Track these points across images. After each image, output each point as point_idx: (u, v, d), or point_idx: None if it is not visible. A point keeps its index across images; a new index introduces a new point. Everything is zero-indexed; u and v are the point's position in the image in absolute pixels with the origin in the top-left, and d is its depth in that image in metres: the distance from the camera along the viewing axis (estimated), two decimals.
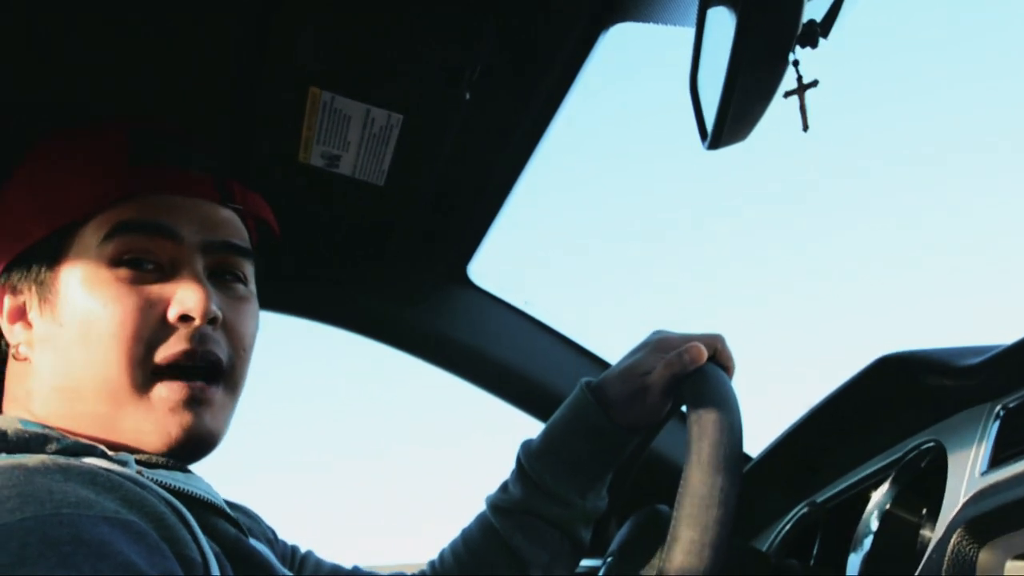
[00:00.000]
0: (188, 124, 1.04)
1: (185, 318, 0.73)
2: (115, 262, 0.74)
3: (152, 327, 0.73)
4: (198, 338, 0.73)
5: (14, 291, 0.79)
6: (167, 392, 0.72)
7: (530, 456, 0.98)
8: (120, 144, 0.79)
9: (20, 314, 0.78)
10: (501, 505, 1.00)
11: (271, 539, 0.96)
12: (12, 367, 0.79)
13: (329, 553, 1.05)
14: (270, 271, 1.35)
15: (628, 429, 0.95)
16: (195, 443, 0.74)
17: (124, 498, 0.59)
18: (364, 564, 1.07)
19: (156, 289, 0.73)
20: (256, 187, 1.16)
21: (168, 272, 0.75)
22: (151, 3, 0.87)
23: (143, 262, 0.74)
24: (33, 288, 0.77)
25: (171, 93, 0.99)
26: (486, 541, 1.00)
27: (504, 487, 1.02)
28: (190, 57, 0.94)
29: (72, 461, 0.62)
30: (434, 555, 1.08)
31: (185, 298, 0.73)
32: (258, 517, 0.96)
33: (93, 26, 0.89)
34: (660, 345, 0.93)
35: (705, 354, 0.88)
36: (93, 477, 0.60)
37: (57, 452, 0.66)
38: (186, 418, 0.73)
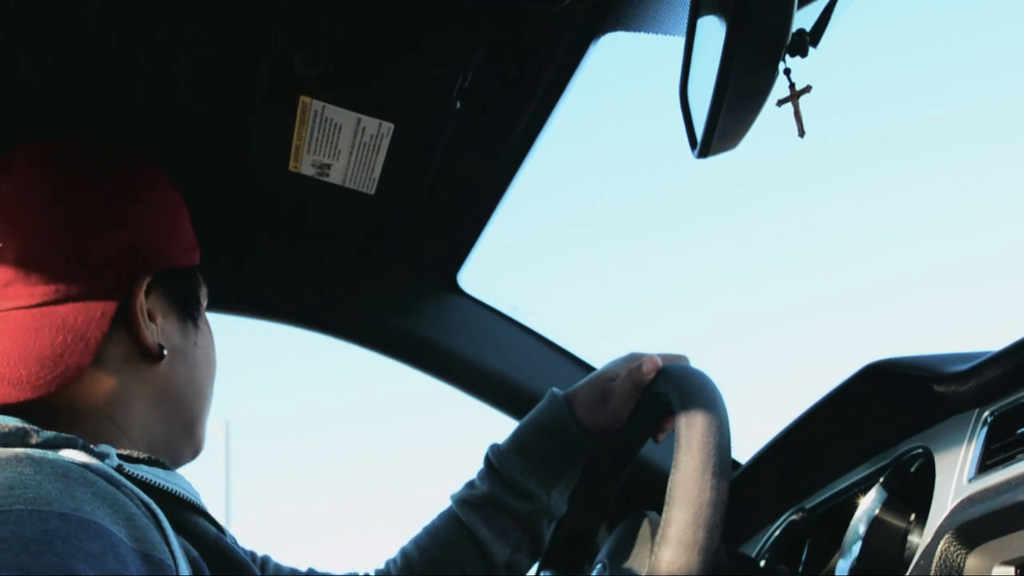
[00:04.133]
0: (178, 133, 1.04)
1: None
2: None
3: None
4: None
5: (145, 296, 0.83)
6: None
7: (499, 454, 1.07)
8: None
9: (153, 319, 0.83)
10: (468, 500, 1.06)
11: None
12: (130, 370, 0.81)
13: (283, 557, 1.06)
14: (259, 279, 1.36)
15: (593, 431, 1.05)
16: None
17: (96, 494, 0.59)
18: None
19: None
20: (246, 196, 1.16)
21: None
22: (142, 11, 0.87)
23: None
24: (172, 305, 0.86)
25: (161, 101, 0.99)
26: (452, 534, 1.06)
27: (471, 484, 1.08)
28: (181, 65, 0.94)
29: (48, 454, 0.62)
30: (390, 554, 1.10)
31: None
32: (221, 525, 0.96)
33: (82, 33, 0.88)
34: (629, 358, 1.04)
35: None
36: (66, 471, 0.60)
37: (37, 445, 0.66)
38: None
